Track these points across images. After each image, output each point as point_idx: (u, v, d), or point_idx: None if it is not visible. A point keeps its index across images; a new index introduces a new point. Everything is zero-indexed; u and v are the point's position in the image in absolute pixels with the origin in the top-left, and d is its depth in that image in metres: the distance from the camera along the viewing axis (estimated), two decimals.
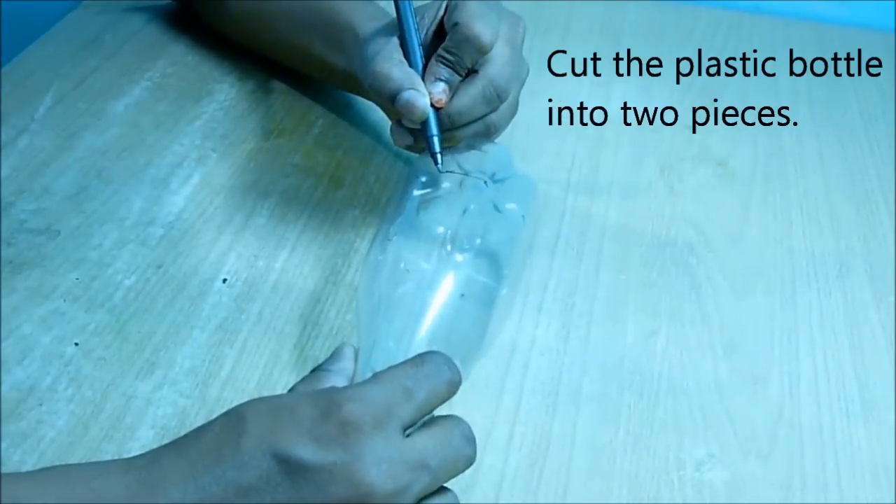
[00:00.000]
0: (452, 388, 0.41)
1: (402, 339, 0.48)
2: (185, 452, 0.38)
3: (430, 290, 0.50)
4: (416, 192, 0.55)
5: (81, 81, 0.73)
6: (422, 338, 0.48)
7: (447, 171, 0.55)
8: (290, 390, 0.44)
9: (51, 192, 0.63)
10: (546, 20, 0.88)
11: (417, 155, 0.58)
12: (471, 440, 0.40)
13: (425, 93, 0.53)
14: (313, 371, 0.46)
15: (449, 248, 0.52)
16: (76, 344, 0.53)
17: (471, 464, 0.40)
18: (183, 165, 0.66)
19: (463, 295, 0.50)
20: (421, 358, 0.41)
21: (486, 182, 0.55)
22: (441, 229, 0.53)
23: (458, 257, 0.52)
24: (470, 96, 0.53)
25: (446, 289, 0.50)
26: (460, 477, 0.41)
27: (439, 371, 0.41)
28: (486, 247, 0.53)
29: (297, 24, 0.68)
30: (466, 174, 0.55)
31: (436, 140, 0.54)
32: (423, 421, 0.40)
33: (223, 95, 0.74)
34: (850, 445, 0.52)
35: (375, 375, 0.40)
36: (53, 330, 0.54)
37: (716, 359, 0.56)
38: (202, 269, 0.58)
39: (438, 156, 0.53)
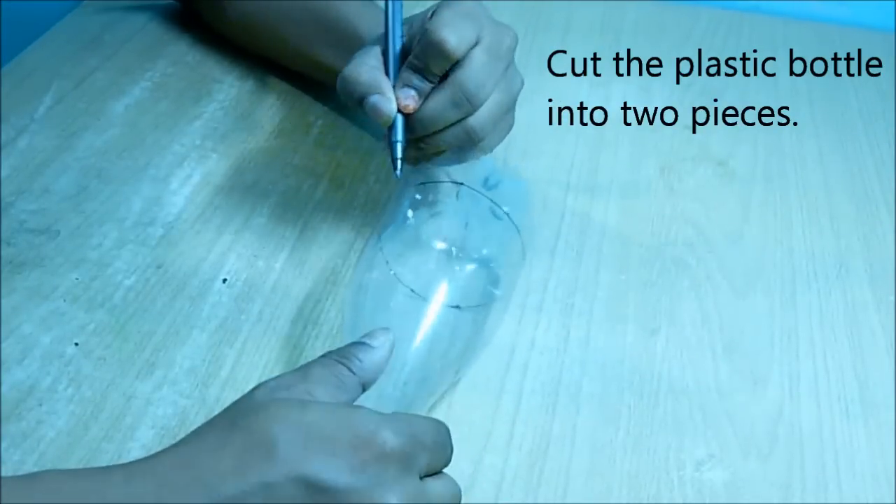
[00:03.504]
0: (447, 462, 0.42)
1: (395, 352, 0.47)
2: (196, 468, 0.37)
3: (422, 301, 0.49)
4: (407, 201, 0.55)
5: (81, 81, 0.73)
6: (416, 348, 0.48)
7: (439, 181, 0.55)
8: (307, 366, 0.42)
9: (51, 192, 0.63)
10: (546, 20, 0.88)
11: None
12: (460, 501, 0.42)
13: (392, 98, 0.52)
14: (338, 361, 0.43)
15: (445, 257, 0.52)
16: (76, 344, 0.53)
17: None
18: (183, 165, 0.66)
19: (457, 305, 0.50)
20: (439, 424, 0.42)
21: (478, 190, 0.55)
22: (441, 244, 0.52)
23: (454, 267, 0.52)
24: (437, 101, 0.52)
25: (439, 298, 0.50)
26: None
27: (448, 443, 0.42)
28: (482, 257, 0.53)
29: (302, 30, 0.68)
30: (460, 183, 0.54)
31: (398, 146, 0.53)
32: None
33: (223, 95, 0.74)
34: (850, 445, 0.52)
35: (402, 416, 0.40)
36: (53, 330, 0.54)
37: (716, 359, 0.56)
38: (202, 269, 0.58)
39: (398, 161, 0.53)
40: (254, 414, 0.39)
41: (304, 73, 0.73)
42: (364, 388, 0.43)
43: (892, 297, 0.61)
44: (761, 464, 0.50)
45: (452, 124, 0.53)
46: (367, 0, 0.67)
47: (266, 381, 0.42)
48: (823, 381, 0.55)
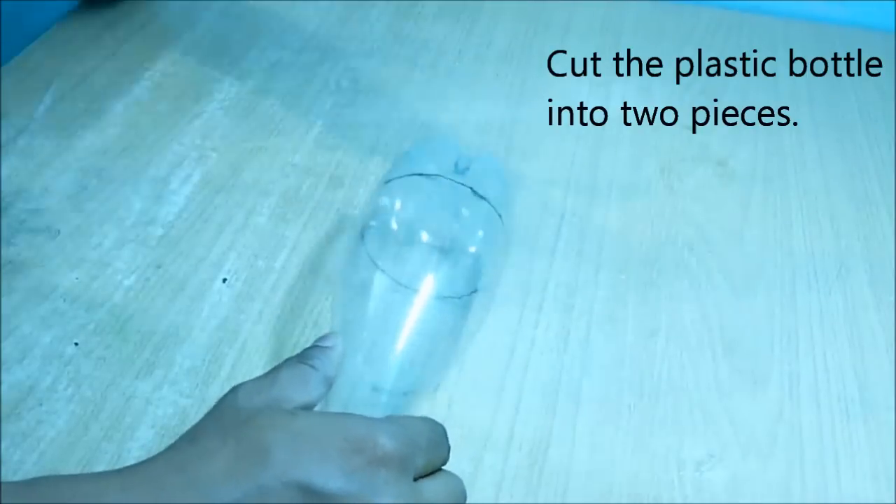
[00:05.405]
0: (445, 461, 0.42)
1: (378, 347, 0.47)
2: (190, 473, 0.37)
3: (407, 293, 0.49)
4: (385, 196, 0.54)
5: (81, 80, 0.73)
6: (403, 341, 0.48)
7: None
8: (274, 370, 0.43)
9: (51, 191, 0.63)
10: (546, 20, 0.88)
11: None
12: (464, 497, 0.42)
13: None
14: (300, 361, 0.44)
15: (426, 249, 0.52)
16: (76, 344, 0.53)
17: None
18: (183, 165, 0.66)
19: (442, 295, 0.50)
20: (434, 424, 0.43)
21: (455, 179, 0.54)
22: (422, 236, 0.52)
23: (436, 258, 0.52)
24: None
25: (424, 289, 0.50)
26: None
27: (444, 442, 0.42)
28: (464, 246, 0.53)
29: None
30: (437, 175, 0.54)
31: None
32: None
33: (223, 95, 0.74)
34: (850, 445, 0.52)
35: (395, 419, 0.41)
36: (53, 330, 0.54)
37: (716, 359, 0.56)
38: (202, 269, 0.58)
39: None
40: (244, 422, 0.39)
41: None
42: (328, 383, 0.44)
43: (892, 297, 0.61)
44: (761, 464, 0.50)
45: None
46: None
47: (240, 385, 0.42)
48: (823, 381, 0.55)
